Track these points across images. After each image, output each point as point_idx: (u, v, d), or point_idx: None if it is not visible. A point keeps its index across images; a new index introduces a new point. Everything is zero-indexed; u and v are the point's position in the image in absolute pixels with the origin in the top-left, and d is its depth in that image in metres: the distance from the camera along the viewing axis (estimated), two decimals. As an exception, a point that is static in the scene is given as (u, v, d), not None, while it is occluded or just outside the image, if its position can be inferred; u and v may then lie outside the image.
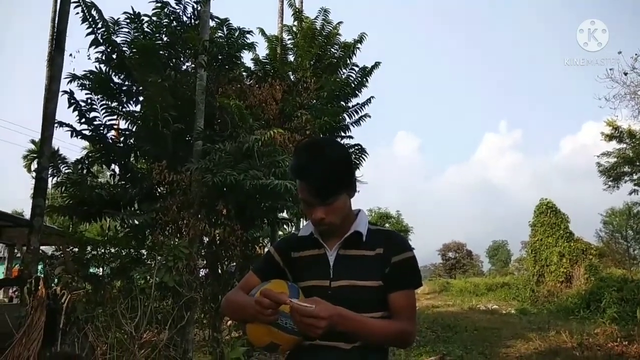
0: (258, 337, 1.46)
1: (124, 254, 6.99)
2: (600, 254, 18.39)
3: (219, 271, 7.33)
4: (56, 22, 6.51)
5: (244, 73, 8.99)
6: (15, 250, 14.38)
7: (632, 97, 13.92)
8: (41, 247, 6.37)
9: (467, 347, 8.92)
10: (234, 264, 7.47)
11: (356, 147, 9.68)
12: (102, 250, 6.98)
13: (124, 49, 7.35)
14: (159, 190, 7.15)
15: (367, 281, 1.47)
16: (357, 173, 9.65)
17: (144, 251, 7.13)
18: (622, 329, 9.63)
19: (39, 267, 6.18)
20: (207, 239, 7.13)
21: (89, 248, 6.78)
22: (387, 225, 26.41)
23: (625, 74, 13.29)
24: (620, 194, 19.08)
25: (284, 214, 8.49)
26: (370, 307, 1.46)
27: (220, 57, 8.07)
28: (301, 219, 8.96)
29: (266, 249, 10.02)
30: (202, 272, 7.45)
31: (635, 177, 17.88)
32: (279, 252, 1.64)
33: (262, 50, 10.37)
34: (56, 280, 5.50)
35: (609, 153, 17.77)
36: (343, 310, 1.36)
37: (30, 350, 4.18)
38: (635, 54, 13.39)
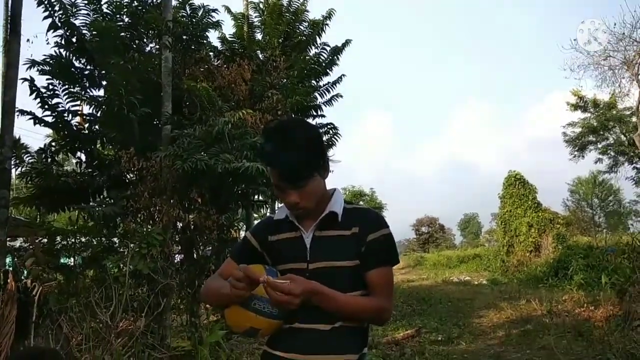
0: (237, 323, 1.45)
1: (95, 242, 6.85)
2: (567, 223, 19.02)
3: (195, 256, 7.28)
4: (9, 5, 6.18)
5: (210, 53, 8.77)
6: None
7: (595, 66, 14.29)
8: (8, 240, 6.19)
9: (442, 319, 9.18)
10: (210, 248, 7.43)
11: (329, 127, 9.66)
12: (72, 240, 6.84)
13: (84, 31, 7.06)
14: (128, 177, 6.99)
15: (344, 261, 1.47)
16: (331, 152, 9.65)
17: (115, 239, 7.00)
18: (589, 295, 10.04)
19: (7, 260, 6.01)
20: (181, 225, 7.04)
21: (58, 238, 6.62)
22: (361, 202, 26.64)
23: (588, 42, 13.60)
24: (586, 163, 19.78)
25: (259, 197, 8.46)
26: (349, 287, 1.46)
27: (185, 37, 7.85)
28: (276, 202, 8.94)
29: (242, 233, 10.03)
30: (178, 258, 7.39)
31: (599, 145, 18.50)
32: (255, 237, 1.62)
33: (229, 29, 10.19)
34: (26, 272, 5.35)
35: (574, 123, 18.29)
36: (317, 285, 1.37)
37: (2, 345, 4.06)
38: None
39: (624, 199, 34.01)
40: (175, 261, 7.10)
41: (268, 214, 11.07)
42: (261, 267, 1.48)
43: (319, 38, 9.98)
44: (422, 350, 6.55)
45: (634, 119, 15.14)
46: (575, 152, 18.84)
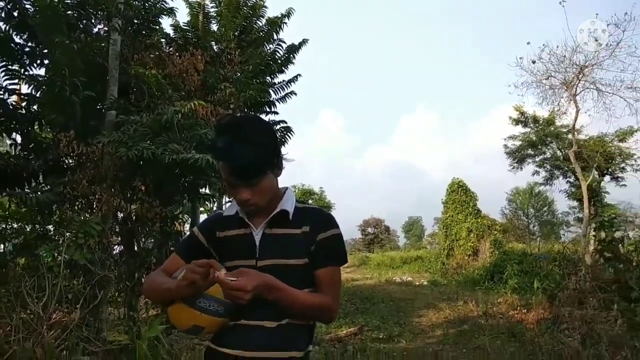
0: (181, 321, 1.42)
1: (28, 229, 6.48)
2: (504, 230, 19.99)
3: (136, 248, 7.03)
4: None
5: (162, 40, 8.51)
6: None
7: (537, 85, 15.09)
8: None
9: (384, 317, 9.37)
10: (152, 240, 7.21)
11: (282, 125, 9.61)
12: (3, 226, 6.44)
13: (27, 6, 6.64)
14: (67, 162, 6.65)
15: (293, 259, 1.46)
16: (283, 150, 9.60)
17: (50, 227, 6.64)
18: (522, 298, 10.56)
19: None
20: (122, 215, 6.77)
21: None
22: (310, 201, 26.73)
23: (533, 62, 14.34)
24: (524, 174, 20.79)
25: (206, 190, 8.29)
26: (297, 285, 1.45)
27: (136, 21, 7.57)
28: (224, 196, 8.80)
29: (186, 226, 9.80)
30: (117, 250, 7.11)
31: (537, 159, 19.52)
32: (203, 232, 1.59)
33: (183, 17, 9.92)
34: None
35: (515, 136, 19.18)
36: (269, 279, 1.37)
37: None
38: (543, 44, 14.49)
39: (557, 210, 36.03)
40: (115, 252, 6.84)
41: (215, 208, 10.89)
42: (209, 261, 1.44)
43: (276, 35, 9.91)
44: (364, 347, 6.66)
45: (569, 136, 16.10)
46: (515, 164, 19.78)
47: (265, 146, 1.42)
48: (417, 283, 17.65)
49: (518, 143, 19.25)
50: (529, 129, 18.47)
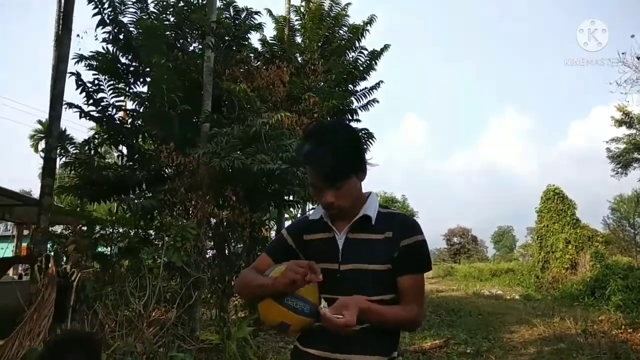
0: (270, 317, 1.48)
1: (132, 234, 7.06)
2: (607, 241, 18.37)
3: (226, 252, 7.39)
4: (62, 1, 6.47)
5: (251, 54, 8.93)
6: (25, 230, 14.51)
7: (643, 82, 13.75)
8: (50, 227, 6.44)
9: (471, 331, 8.97)
10: (241, 245, 7.54)
11: (364, 132, 9.64)
12: (110, 230, 7.06)
13: (131, 29, 7.32)
14: (167, 172, 7.18)
15: (375, 265, 1.47)
16: (366, 156, 9.59)
17: (151, 231, 7.20)
18: (627, 317, 9.64)
19: (48, 245, 6.26)
20: (215, 221, 7.17)
21: (97, 228, 6.86)
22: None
23: (638, 58, 13.10)
24: (629, 180, 18.98)
25: (292, 197, 8.52)
26: (378, 290, 1.47)
27: (227, 38, 8.01)
28: (307, 203, 8.98)
29: (272, 232, 10.12)
30: (210, 254, 7.53)
31: (644, 163, 17.75)
32: (291, 235, 1.65)
33: (270, 32, 10.30)
34: (65, 258, 5.56)
35: (618, 139, 17.60)
36: (363, 305, 1.38)
37: (41, 326, 4.24)
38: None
39: (669, 220, 32.42)
40: (207, 256, 7.24)
41: (299, 215, 11.13)
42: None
43: (358, 42, 9.99)
44: (449, 361, 6.44)
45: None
46: (619, 169, 18.14)
47: (349, 150, 1.46)
48: (508, 297, 16.74)
49: (622, 146, 17.65)
50: (635, 131, 16.85)
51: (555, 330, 8.76)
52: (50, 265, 4.66)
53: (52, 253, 5.48)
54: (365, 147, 9.58)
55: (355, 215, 1.52)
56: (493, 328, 9.50)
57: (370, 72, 9.98)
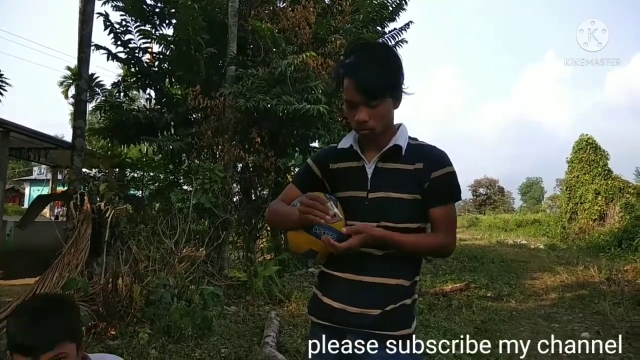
0: (299, 244, 1.54)
1: (161, 177, 7.25)
2: (639, 193, 17.86)
3: (252, 197, 7.55)
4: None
5: (276, -5, 8.69)
6: (59, 173, 15.00)
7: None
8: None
9: (493, 277, 9.04)
10: (267, 190, 7.66)
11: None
12: (141, 174, 7.27)
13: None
14: (194, 115, 7.24)
15: (403, 193, 1.48)
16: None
17: (180, 175, 7.37)
18: (653, 267, 9.52)
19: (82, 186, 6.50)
20: (241, 165, 7.28)
21: (128, 171, 7.06)
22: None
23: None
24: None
25: (316, 144, 8.52)
26: (406, 219, 1.49)
27: (252, -23, 7.81)
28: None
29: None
30: (236, 198, 7.70)
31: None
32: (317, 164, 1.65)
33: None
34: (99, 198, 5.79)
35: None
36: (377, 233, 1.44)
37: (79, 259, 4.49)
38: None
39: None
40: (234, 200, 7.41)
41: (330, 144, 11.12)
42: (322, 195, 1.52)
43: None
44: (469, 303, 6.54)
45: None
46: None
47: (392, 68, 1.46)
48: (533, 246, 16.69)
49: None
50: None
51: (578, 278, 8.76)
52: (85, 202, 4.86)
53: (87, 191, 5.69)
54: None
55: (386, 145, 1.51)
56: (515, 274, 9.56)
57: (400, 13, 9.61)
